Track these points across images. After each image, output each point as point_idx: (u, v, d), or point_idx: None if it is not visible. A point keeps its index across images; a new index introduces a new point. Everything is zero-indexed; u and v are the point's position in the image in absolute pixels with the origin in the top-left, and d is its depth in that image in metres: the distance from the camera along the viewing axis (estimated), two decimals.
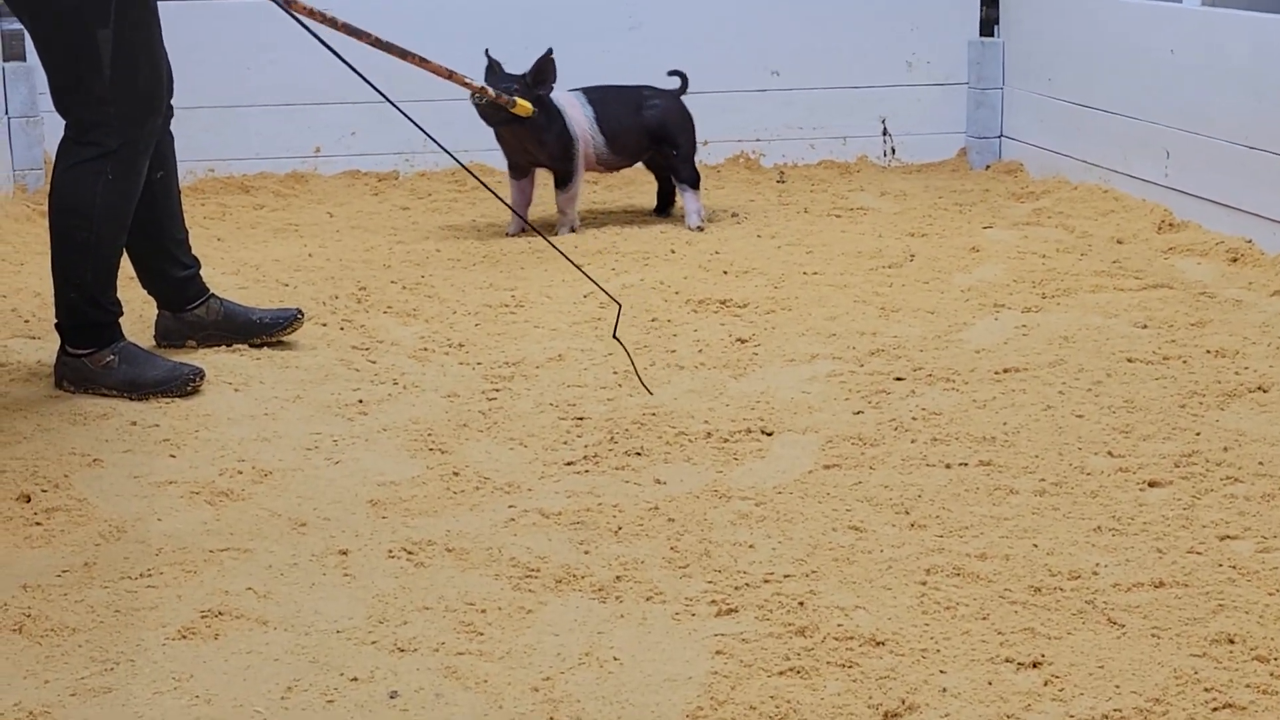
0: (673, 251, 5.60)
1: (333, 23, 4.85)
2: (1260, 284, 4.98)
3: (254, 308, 4.62)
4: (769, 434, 3.86)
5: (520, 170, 5.89)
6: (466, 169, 4.57)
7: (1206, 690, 2.64)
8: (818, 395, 4.12)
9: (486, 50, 5.72)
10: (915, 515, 3.36)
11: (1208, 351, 4.36)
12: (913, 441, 3.78)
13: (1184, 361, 4.29)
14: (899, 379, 4.23)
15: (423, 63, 5.25)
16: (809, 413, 3.99)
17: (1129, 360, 4.31)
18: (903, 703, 2.60)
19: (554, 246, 4.30)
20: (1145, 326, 4.61)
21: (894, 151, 6.98)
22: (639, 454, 3.73)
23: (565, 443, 3.82)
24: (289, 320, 4.54)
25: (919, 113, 6.96)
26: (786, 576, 3.07)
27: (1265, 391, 4.05)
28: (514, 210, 5.70)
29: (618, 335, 3.87)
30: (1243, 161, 5.40)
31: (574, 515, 3.37)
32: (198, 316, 4.52)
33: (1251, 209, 5.35)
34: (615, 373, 4.30)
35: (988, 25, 6.98)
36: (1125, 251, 5.45)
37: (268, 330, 4.52)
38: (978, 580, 3.05)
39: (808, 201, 6.35)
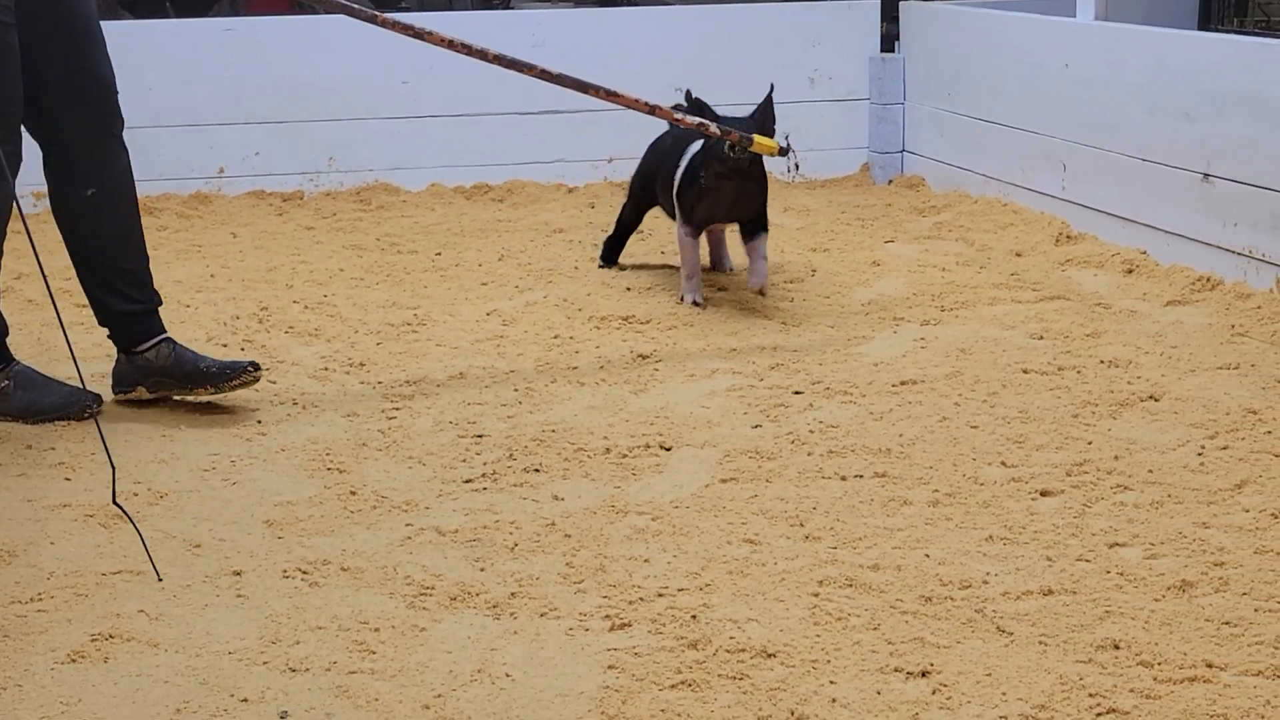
0: (576, 268, 5.61)
1: (482, 55, 4.54)
2: (1154, 295, 5.06)
3: (204, 356, 4.24)
4: (668, 449, 3.88)
5: (701, 229, 5.21)
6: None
7: (1091, 696, 2.68)
8: (717, 410, 4.14)
9: (689, 91, 5.11)
10: (810, 527, 3.38)
11: (1101, 362, 4.43)
12: (809, 454, 3.81)
13: (1078, 372, 4.35)
14: (797, 393, 4.26)
15: (611, 95, 4.66)
16: (708, 427, 4.02)
17: (1024, 371, 4.37)
18: (792, 714, 2.63)
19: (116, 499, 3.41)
20: (1041, 338, 4.67)
21: (797, 167, 6.98)
22: (538, 471, 3.74)
23: (464, 460, 3.82)
24: (238, 371, 4.15)
25: (822, 128, 7.01)
26: (680, 590, 3.09)
27: (1157, 400, 4.11)
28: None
29: (118, 502, 3.32)
30: (1138, 174, 5.48)
31: (470, 533, 3.38)
32: (147, 360, 4.18)
33: (1146, 221, 5.43)
34: (516, 390, 4.31)
35: (888, 41, 7.05)
36: (1023, 264, 5.52)
37: (213, 380, 4.15)
38: (869, 591, 3.08)
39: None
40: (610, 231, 5.68)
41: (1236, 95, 5.02)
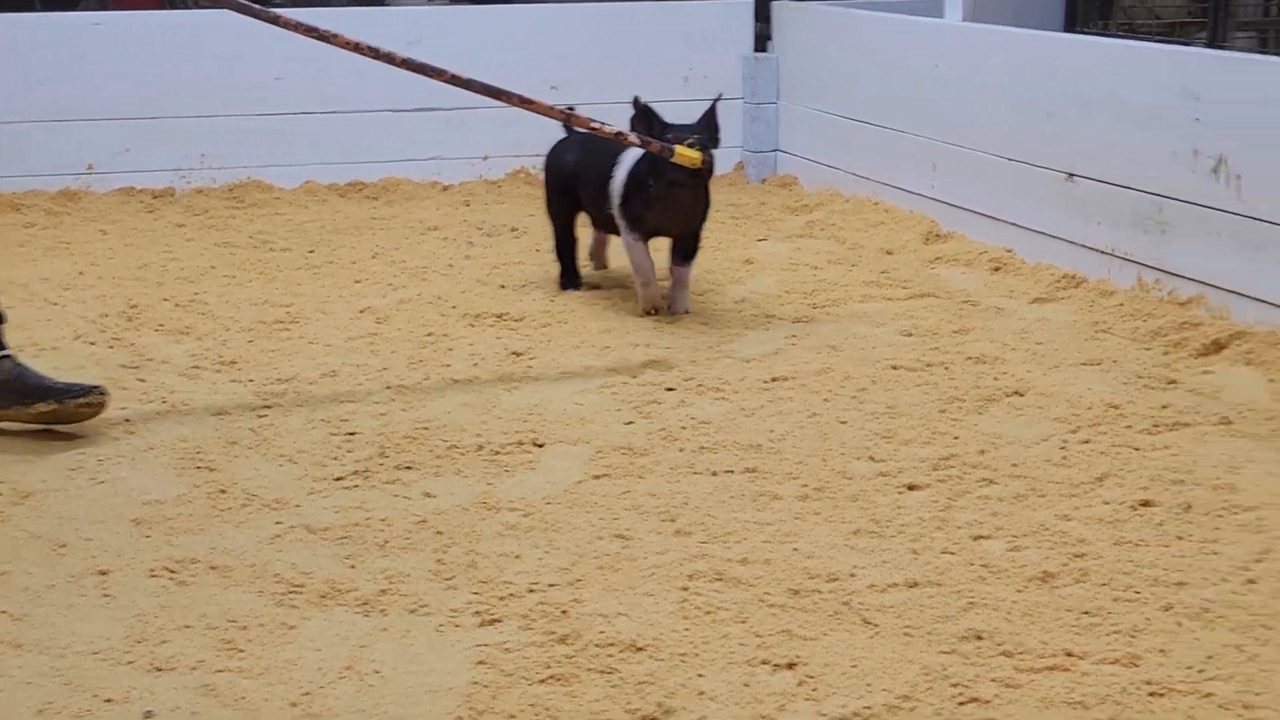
0: (451, 266, 5.61)
1: (390, 59, 4.36)
2: (1020, 292, 5.15)
3: (50, 377, 4.01)
4: (540, 445, 3.89)
5: (650, 237, 4.97)
6: None
7: (954, 685, 2.72)
8: (590, 406, 4.16)
9: (636, 97, 4.90)
10: (680, 522, 3.41)
11: (968, 358, 4.50)
12: (681, 450, 3.84)
13: (946, 368, 4.42)
14: (670, 389, 4.29)
15: (525, 103, 4.53)
16: (580, 424, 4.03)
17: (893, 368, 4.43)
18: (660, 706, 2.64)
19: None
20: (910, 335, 4.74)
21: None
22: (409, 468, 3.73)
23: (335, 458, 3.80)
24: (85, 390, 3.93)
25: None
26: (551, 586, 3.10)
27: (1021, 395, 4.18)
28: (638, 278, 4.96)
29: None
30: (1004, 174, 5.57)
31: (341, 530, 3.37)
32: None
33: (1013, 219, 5.53)
34: (388, 387, 4.30)
35: (761, 41, 7.12)
36: (894, 262, 5.59)
37: (58, 395, 3.91)
38: (738, 585, 3.11)
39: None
40: (558, 264, 5.36)
41: (1098, 96, 5.12)
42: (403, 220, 6.35)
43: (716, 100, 4.90)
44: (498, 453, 3.84)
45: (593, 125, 4.67)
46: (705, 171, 4.74)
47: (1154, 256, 4.88)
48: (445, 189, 6.90)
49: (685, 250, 4.97)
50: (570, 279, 5.33)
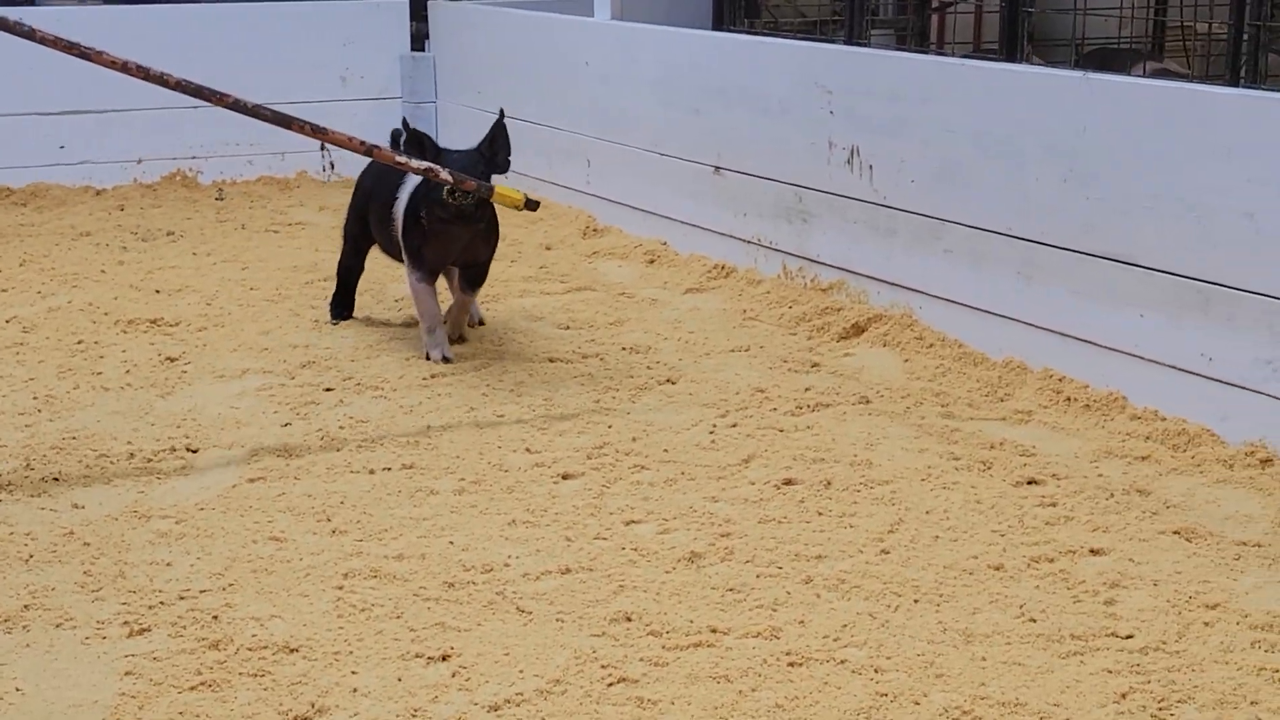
0: (103, 272, 5.48)
1: (162, 80, 3.99)
2: (674, 283, 5.29)
3: None
4: (194, 451, 3.84)
5: (436, 274, 4.58)
6: None
7: (603, 667, 2.80)
8: (246, 410, 4.13)
9: (405, 120, 4.63)
10: (337, 522, 3.41)
11: (623, 349, 4.60)
12: (339, 450, 3.84)
13: (601, 359, 4.51)
14: (329, 389, 4.28)
15: (318, 133, 4.17)
16: (236, 428, 4.00)
17: (550, 360, 4.50)
18: (313, 706, 2.65)
19: None
20: (568, 328, 4.82)
21: (333, 166, 7.03)
22: (56, 480, 3.65)
23: None
24: None
25: (355, 126, 6.93)
26: (203, 592, 3.07)
27: (673, 384, 4.30)
28: (425, 324, 4.53)
29: None
30: (656, 168, 5.70)
31: None
32: None
33: (666, 213, 5.66)
34: (35, 398, 4.19)
35: (419, 40, 7.14)
36: (553, 257, 5.67)
37: None
38: (394, 580, 3.13)
39: (246, 218, 6.34)
40: (334, 287, 4.97)
41: (739, 92, 5.28)
42: (53, 226, 6.18)
43: (501, 117, 4.60)
44: (150, 460, 3.78)
45: (399, 160, 4.25)
46: (472, 204, 4.31)
47: (797, 245, 5.06)
48: (98, 194, 6.73)
49: (471, 278, 4.59)
50: (341, 308, 4.92)
